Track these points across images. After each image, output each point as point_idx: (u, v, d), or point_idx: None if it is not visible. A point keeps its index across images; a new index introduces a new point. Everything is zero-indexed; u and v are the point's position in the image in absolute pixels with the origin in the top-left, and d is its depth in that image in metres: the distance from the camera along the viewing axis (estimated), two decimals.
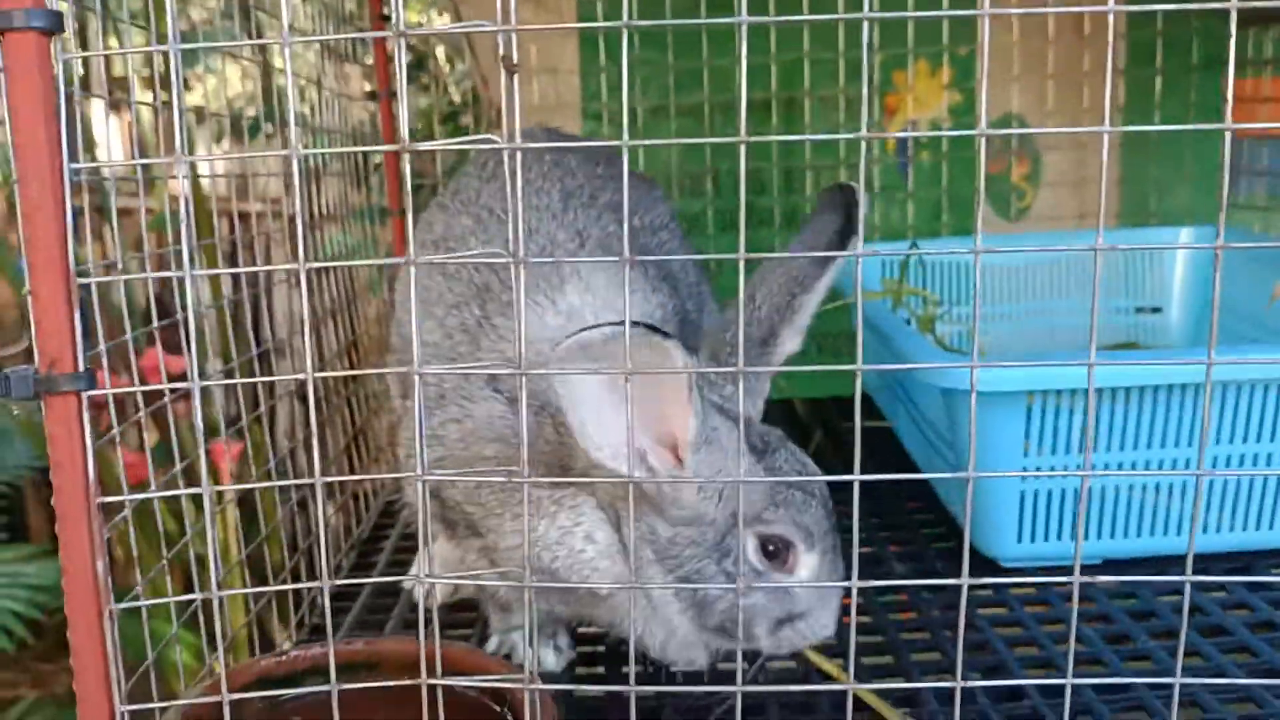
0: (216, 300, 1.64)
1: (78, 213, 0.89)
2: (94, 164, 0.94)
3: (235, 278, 1.79)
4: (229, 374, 1.83)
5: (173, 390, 1.03)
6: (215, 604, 0.86)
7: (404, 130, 0.81)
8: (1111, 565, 1.61)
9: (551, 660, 1.44)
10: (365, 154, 2.36)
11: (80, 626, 0.85)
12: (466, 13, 2.55)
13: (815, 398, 2.48)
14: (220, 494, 2.82)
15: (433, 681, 0.87)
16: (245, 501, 1.68)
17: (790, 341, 1.31)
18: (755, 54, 2.41)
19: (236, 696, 0.89)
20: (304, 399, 2.02)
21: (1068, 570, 1.59)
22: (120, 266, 1.19)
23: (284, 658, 1.14)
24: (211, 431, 1.66)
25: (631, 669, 0.87)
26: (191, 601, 0.98)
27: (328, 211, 2.11)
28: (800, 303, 1.29)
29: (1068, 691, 0.90)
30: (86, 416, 0.84)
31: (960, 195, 2.53)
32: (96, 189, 1.19)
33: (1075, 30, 2.45)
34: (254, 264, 1.68)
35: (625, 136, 0.80)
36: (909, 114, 2.53)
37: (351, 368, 2.18)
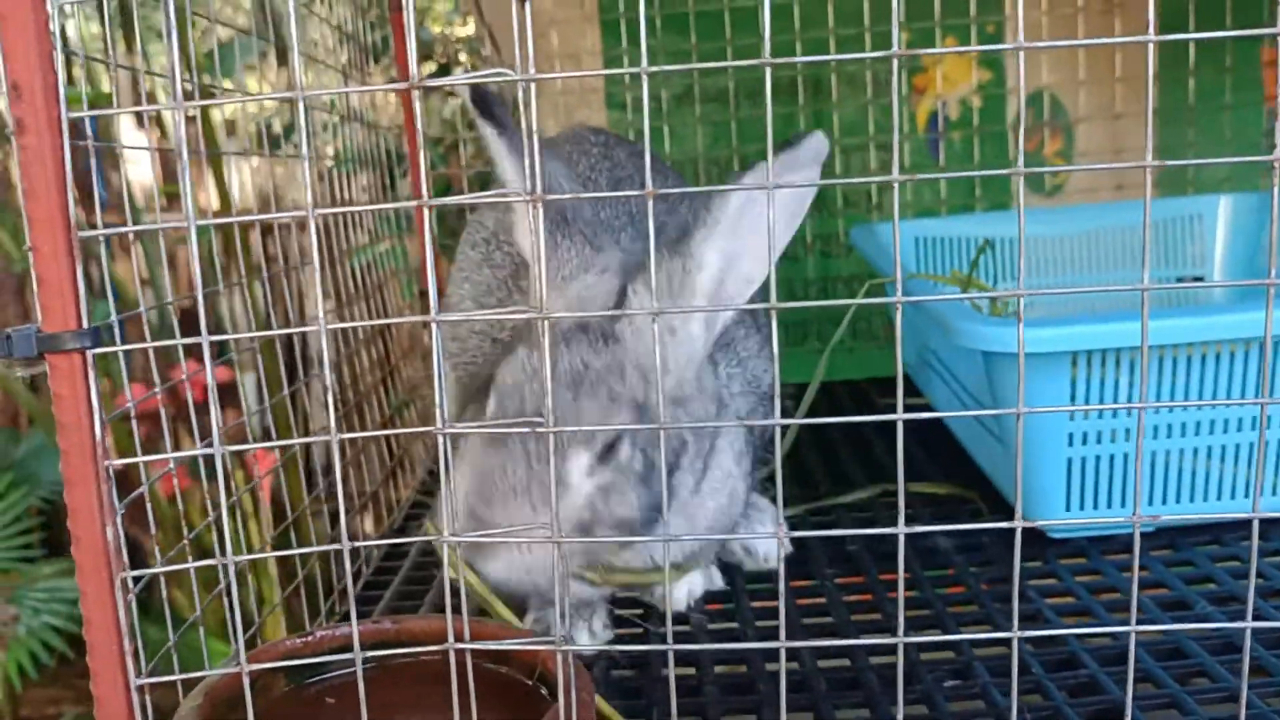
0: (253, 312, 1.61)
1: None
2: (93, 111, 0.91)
3: (270, 292, 1.73)
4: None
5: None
6: (224, 573, 0.83)
7: (413, 66, 0.78)
8: (1164, 532, 1.56)
9: (586, 640, 1.39)
10: (392, 164, 2.34)
11: (91, 595, 0.81)
12: (488, 10, 2.53)
13: (854, 379, 2.44)
14: (255, 498, 2.78)
15: (460, 646, 0.83)
16: (281, 513, 1.66)
17: None
18: (780, 33, 2.37)
19: (256, 668, 0.86)
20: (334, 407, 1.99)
21: (1118, 539, 1.56)
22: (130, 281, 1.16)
23: (310, 638, 1.10)
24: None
25: (670, 626, 0.82)
26: (215, 584, 0.95)
27: (355, 219, 2.10)
28: None
29: (1132, 653, 0.85)
30: (93, 375, 0.81)
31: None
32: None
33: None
34: (285, 278, 1.62)
35: (644, 63, 0.76)
36: (938, 92, 2.48)
37: (385, 379, 2.16)
